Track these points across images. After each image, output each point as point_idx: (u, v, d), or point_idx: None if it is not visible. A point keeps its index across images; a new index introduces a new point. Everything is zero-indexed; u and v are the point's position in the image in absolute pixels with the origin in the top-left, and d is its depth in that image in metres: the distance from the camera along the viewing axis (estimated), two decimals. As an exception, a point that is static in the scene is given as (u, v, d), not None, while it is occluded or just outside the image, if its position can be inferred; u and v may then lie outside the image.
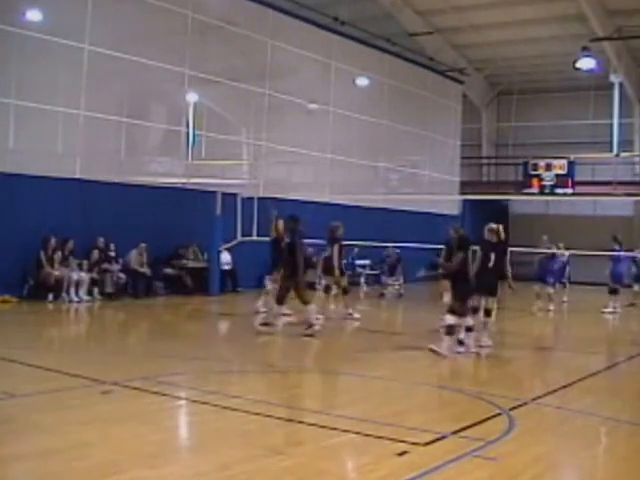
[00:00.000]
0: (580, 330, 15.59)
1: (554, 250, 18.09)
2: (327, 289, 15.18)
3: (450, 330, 10.22)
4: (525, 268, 18.16)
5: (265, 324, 12.60)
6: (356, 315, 14.74)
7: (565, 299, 19.31)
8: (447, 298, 13.96)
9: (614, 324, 16.98)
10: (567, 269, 18.75)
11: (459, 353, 10.34)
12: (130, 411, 6.78)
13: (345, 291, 14.96)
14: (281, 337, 12.59)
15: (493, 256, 11.11)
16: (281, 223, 13.32)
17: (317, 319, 12.32)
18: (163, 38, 18.97)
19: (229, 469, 5.21)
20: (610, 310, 17.65)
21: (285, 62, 21.53)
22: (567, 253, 18.47)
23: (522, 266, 17.28)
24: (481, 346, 10.96)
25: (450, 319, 10.25)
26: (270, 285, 14.13)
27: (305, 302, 12.08)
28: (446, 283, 14.04)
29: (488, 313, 11.31)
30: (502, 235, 11.41)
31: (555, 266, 18.04)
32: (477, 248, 11.34)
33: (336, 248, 14.40)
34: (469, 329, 10.57)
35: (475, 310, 11.13)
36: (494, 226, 11.39)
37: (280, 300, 12.17)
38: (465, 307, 10.47)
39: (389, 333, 13.87)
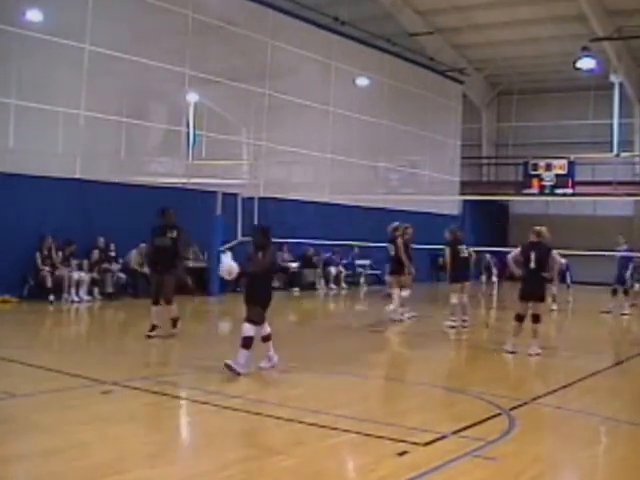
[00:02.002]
0: (580, 330, 15.60)
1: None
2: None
3: (247, 343, 8.49)
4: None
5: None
6: (412, 314, 14.77)
7: (570, 299, 19.35)
8: (455, 299, 13.94)
9: (614, 324, 16.96)
10: (568, 271, 18.79)
11: (262, 369, 8.83)
12: (130, 411, 6.78)
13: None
14: (282, 337, 12.56)
15: (533, 255, 10.56)
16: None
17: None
18: (163, 38, 19.00)
19: (229, 469, 5.21)
20: (608, 310, 17.72)
21: (285, 62, 21.54)
22: (563, 261, 18.55)
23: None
24: (530, 354, 10.53)
25: (249, 330, 8.54)
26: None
27: (169, 302, 11.45)
28: (455, 285, 13.98)
29: (537, 319, 10.75)
30: (544, 235, 10.86)
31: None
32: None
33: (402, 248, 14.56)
34: (267, 338, 8.91)
35: (520, 318, 10.78)
36: (536, 227, 11.01)
37: (169, 300, 11.40)
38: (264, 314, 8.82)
39: (391, 333, 13.85)
